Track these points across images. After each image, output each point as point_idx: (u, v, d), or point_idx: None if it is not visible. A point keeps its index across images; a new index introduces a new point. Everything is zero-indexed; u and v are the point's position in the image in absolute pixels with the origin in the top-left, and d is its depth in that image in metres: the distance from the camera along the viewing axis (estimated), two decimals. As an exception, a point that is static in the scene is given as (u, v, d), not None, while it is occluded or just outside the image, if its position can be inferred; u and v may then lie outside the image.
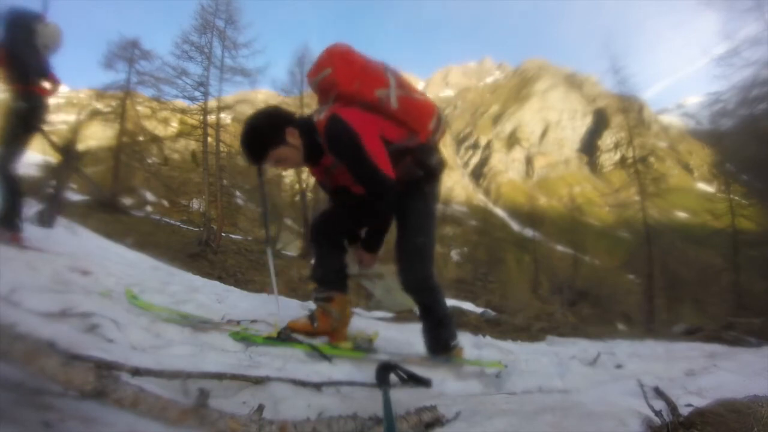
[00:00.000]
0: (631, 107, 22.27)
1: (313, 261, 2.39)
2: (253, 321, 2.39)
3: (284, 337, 2.09)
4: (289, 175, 21.71)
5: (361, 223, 2.30)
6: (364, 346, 2.23)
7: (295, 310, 3.27)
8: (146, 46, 22.87)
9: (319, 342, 2.15)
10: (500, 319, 5.95)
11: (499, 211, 65.30)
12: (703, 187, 59.94)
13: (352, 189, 2.19)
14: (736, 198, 17.92)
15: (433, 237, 2.26)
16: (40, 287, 2.10)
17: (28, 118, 3.45)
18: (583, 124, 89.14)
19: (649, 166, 20.72)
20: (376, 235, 2.18)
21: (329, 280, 2.29)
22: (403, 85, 2.10)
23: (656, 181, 19.25)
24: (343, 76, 2.01)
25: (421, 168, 2.15)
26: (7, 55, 3.32)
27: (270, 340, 2.04)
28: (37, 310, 1.64)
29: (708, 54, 14.07)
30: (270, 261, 2.46)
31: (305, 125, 2.01)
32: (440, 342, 2.25)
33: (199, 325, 2.12)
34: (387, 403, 1.14)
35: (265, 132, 1.95)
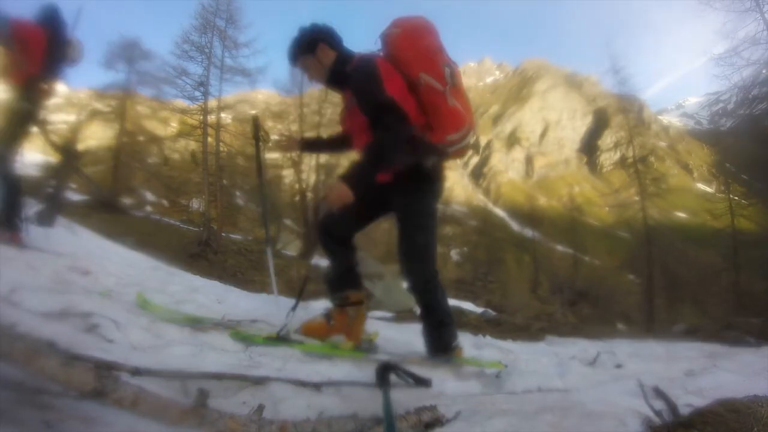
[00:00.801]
0: (630, 107, 22.26)
1: (312, 262, 2.40)
2: (254, 321, 2.39)
3: (284, 336, 2.09)
4: (288, 175, 21.71)
5: (369, 218, 2.36)
6: (364, 346, 2.23)
7: (296, 310, 3.27)
8: (146, 46, 22.93)
9: (328, 342, 2.16)
10: (500, 319, 5.95)
11: (499, 211, 65.26)
12: (703, 187, 59.93)
13: (355, 138, 2.24)
14: (736, 198, 17.89)
15: (435, 236, 2.25)
16: (40, 287, 2.10)
17: (29, 116, 3.46)
18: (583, 124, 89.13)
19: (649, 166, 20.71)
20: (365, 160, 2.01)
21: (342, 281, 2.34)
22: (453, 91, 2.08)
23: (656, 181, 19.22)
24: (403, 42, 2.06)
25: (414, 155, 2.08)
26: (41, 40, 3.34)
27: (270, 341, 2.04)
28: (37, 310, 1.64)
29: (707, 54, 14.02)
30: (270, 261, 2.47)
31: (344, 53, 2.15)
32: (441, 342, 2.24)
33: (201, 326, 2.12)
34: (387, 403, 1.14)
35: (300, 38, 2.16)
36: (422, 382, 1.65)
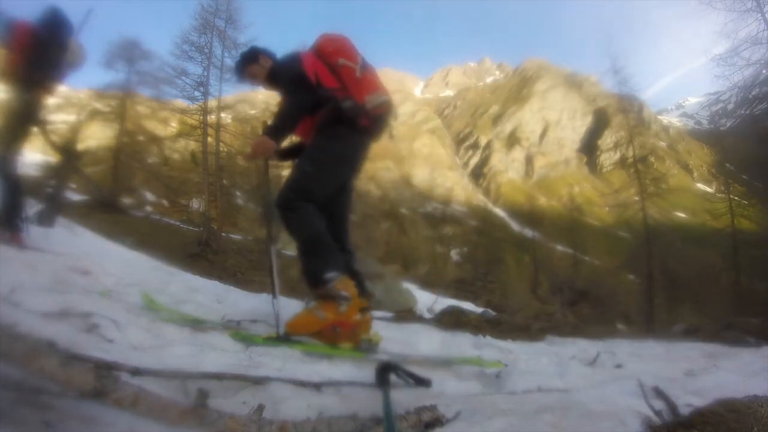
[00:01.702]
0: (630, 107, 22.24)
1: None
2: (254, 321, 2.39)
3: (284, 336, 2.08)
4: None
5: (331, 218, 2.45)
6: (364, 347, 2.22)
7: (294, 309, 3.27)
8: (146, 46, 22.90)
9: (319, 341, 2.14)
10: (500, 319, 5.94)
11: (499, 211, 65.18)
12: (703, 187, 59.89)
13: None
14: (736, 198, 17.89)
15: (322, 172, 2.38)
16: (40, 287, 2.10)
17: (28, 116, 3.46)
18: (583, 124, 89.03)
19: (649, 166, 20.72)
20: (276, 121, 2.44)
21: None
22: (365, 72, 2.51)
23: (656, 181, 19.20)
24: (327, 42, 2.54)
25: (339, 111, 2.39)
26: (35, 43, 3.32)
27: (270, 340, 2.04)
28: (37, 310, 1.64)
29: (708, 54, 13.99)
30: (274, 261, 2.47)
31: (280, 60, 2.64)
32: (308, 273, 2.22)
33: (201, 326, 2.12)
34: (387, 403, 1.14)
35: (245, 53, 2.71)
36: (422, 382, 1.65)
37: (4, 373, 0.86)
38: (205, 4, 18.35)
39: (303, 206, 2.26)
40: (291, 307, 3.28)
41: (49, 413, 0.85)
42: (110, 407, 0.84)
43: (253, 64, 2.65)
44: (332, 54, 2.50)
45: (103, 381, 0.81)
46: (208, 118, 18.13)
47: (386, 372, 1.51)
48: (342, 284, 2.17)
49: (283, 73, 2.52)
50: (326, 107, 2.40)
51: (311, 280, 2.21)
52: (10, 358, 0.79)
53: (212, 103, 18.43)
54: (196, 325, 2.12)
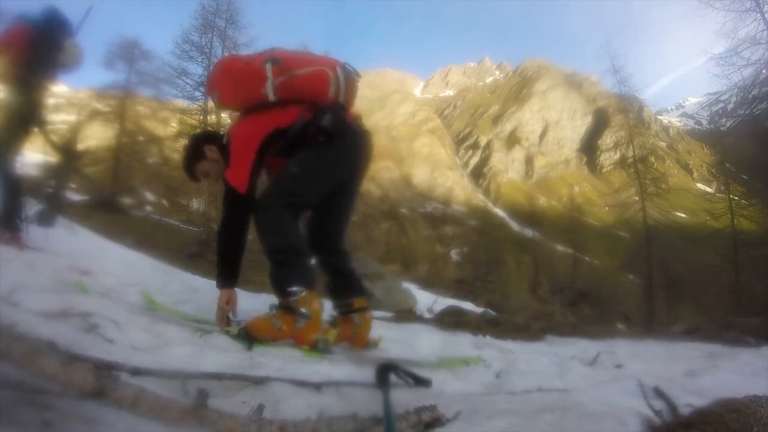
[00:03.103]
0: (630, 107, 22.27)
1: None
2: (253, 321, 2.38)
3: (242, 334, 2.05)
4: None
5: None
6: (321, 347, 2.09)
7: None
8: (146, 46, 22.90)
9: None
10: (500, 319, 5.94)
11: (499, 211, 65.25)
12: (703, 187, 59.94)
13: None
14: (736, 198, 17.90)
15: (311, 173, 2.15)
16: (40, 287, 2.10)
17: (28, 116, 3.46)
18: (583, 124, 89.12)
19: (649, 166, 20.71)
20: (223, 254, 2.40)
21: (344, 287, 2.35)
22: (285, 68, 2.13)
23: (656, 181, 19.22)
24: (227, 95, 2.25)
25: (321, 133, 2.12)
26: (30, 40, 3.31)
27: (230, 334, 2.05)
28: (37, 310, 1.64)
29: (707, 54, 14.00)
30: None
31: (220, 141, 2.30)
32: (273, 281, 2.15)
33: (202, 326, 2.12)
34: (387, 403, 1.14)
35: (186, 151, 2.34)
36: (422, 382, 1.65)
37: (4, 373, 0.86)
38: (206, 4, 18.43)
39: (281, 212, 2.10)
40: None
41: (49, 413, 0.85)
42: (110, 407, 0.84)
43: (200, 162, 2.29)
44: (250, 93, 2.15)
45: (103, 381, 0.81)
46: (208, 118, 18.14)
47: (386, 372, 1.51)
48: (304, 301, 2.07)
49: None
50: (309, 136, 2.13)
51: (275, 288, 2.14)
52: (10, 358, 0.79)
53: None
54: (197, 325, 2.12)
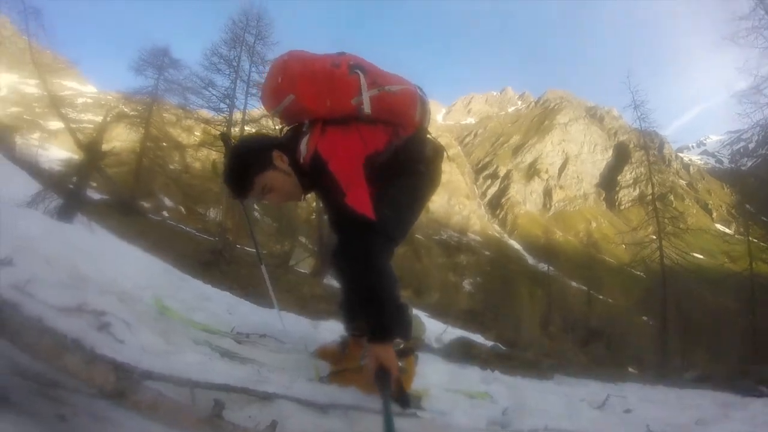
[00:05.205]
0: (651, 143, 22.09)
1: (325, 280, 2.34)
2: (262, 336, 2.39)
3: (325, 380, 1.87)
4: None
5: None
6: (413, 406, 1.73)
7: (304, 327, 3.27)
8: (176, 55, 23.65)
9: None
10: (510, 354, 5.82)
11: (514, 243, 64.71)
12: (722, 228, 58.74)
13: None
14: (755, 240, 17.46)
15: (405, 214, 1.85)
16: (56, 282, 2.14)
17: None
18: (603, 159, 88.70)
19: (668, 204, 20.41)
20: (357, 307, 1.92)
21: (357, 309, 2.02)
22: (375, 80, 1.78)
23: (674, 220, 18.89)
24: (311, 100, 1.73)
25: (414, 162, 1.86)
26: None
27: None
28: (52, 304, 1.66)
29: (729, 90, 13.88)
30: (266, 276, 2.44)
31: (292, 151, 1.77)
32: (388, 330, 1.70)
33: (212, 335, 2.13)
34: (387, 407, 1.14)
35: (242, 156, 1.76)
36: (402, 402, 1.61)
37: (24, 365, 0.88)
38: (236, 19, 18.98)
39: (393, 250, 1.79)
40: (300, 325, 3.29)
41: (64, 407, 0.86)
42: (124, 408, 0.85)
43: (267, 172, 1.72)
44: (339, 103, 1.74)
45: (123, 383, 0.83)
46: (232, 130, 18.52)
47: (385, 375, 1.52)
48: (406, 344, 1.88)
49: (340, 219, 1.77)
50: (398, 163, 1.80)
51: (386, 336, 1.68)
52: (35, 352, 0.81)
53: (237, 115, 18.84)
54: (207, 333, 2.13)
